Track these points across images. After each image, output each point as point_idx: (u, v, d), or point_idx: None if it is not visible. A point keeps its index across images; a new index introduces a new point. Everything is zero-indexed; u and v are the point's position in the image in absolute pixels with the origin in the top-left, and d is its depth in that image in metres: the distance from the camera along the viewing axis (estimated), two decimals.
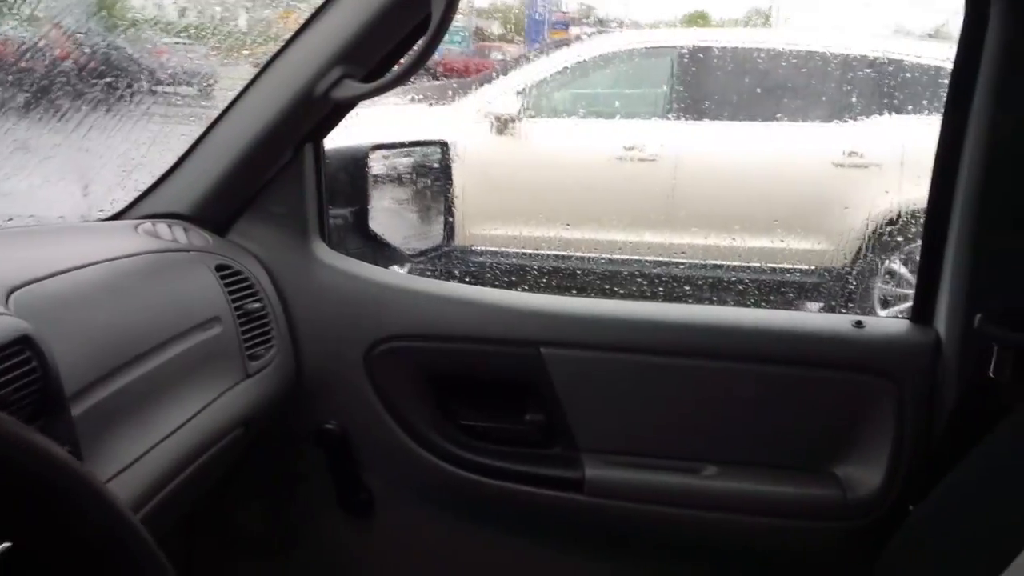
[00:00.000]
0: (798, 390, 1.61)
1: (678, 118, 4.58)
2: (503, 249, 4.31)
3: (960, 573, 1.21)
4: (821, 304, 4.17)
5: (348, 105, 1.57)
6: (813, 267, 4.21)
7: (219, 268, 1.48)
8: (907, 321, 1.63)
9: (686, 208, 4.28)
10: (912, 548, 1.37)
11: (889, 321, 1.81)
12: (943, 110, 1.54)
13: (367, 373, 1.64)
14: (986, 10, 1.43)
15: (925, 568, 1.32)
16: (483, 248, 4.33)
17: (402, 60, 1.48)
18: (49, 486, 0.66)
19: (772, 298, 4.18)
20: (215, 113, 1.57)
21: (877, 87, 4.38)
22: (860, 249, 4.12)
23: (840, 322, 1.65)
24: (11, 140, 1.95)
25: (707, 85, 4.64)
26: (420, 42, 1.29)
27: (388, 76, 1.40)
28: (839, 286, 4.19)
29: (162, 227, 1.50)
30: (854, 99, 4.37)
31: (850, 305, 4.14)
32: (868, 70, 4.43)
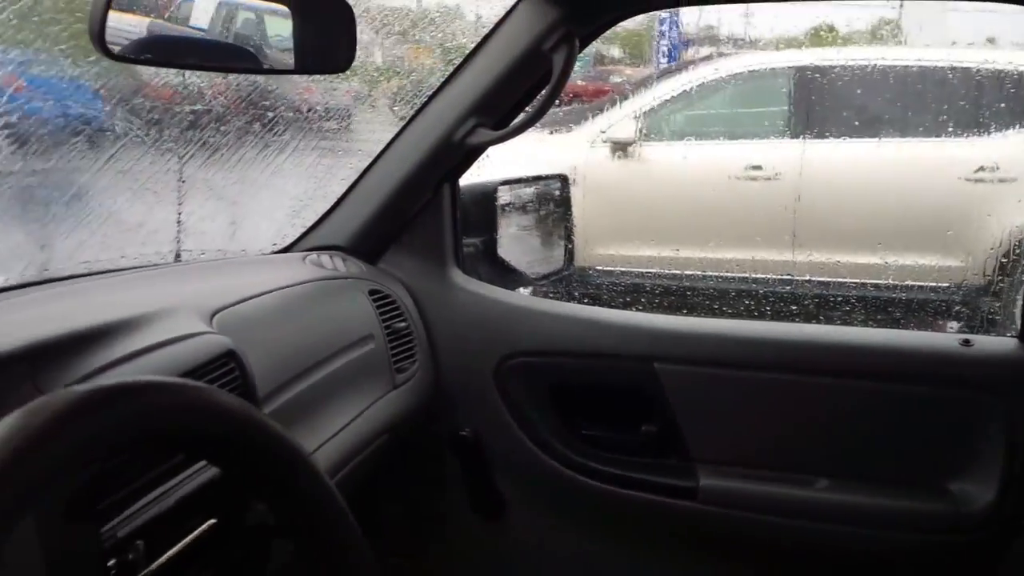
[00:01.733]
0: (908, 406, 1.63)
1: (798, 137, 4.54)
2: (621, 268, 4.38)
3: None
4: (961, 323, 3.95)
5: (480, 149, 1.73)
6: (948, 284, 4.03)
7: (371, 293, 1.66)
8: (1015, 339, 1.62)
9: (811, 226, 4.23)
10: None
11: (997, 340, 1.78)
12: None
13: (497, 385, 1.76)
14: None
15: None
16: (601, 268, 4.41)
17: (527, 108, 1.67)
18: (280, 460, 0.82)
19: (913, 316, 4.01)
20: (355, 145, 1.79)
21: (1008, 100, 4.21)
22: (996, 266, 3.89)
23: (947, 340, 1.67)
24: (207, 189, 2.24)
25: (827, 104, 4.57)
26: (542, 93, 1.47)
27: (515, 123, 1.57)
28: (978, 303, 3.98)
29: (324, 258, 1.70)
30: (981, 113, 4.19)
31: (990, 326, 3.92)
32: (996, 83, 4.25)
